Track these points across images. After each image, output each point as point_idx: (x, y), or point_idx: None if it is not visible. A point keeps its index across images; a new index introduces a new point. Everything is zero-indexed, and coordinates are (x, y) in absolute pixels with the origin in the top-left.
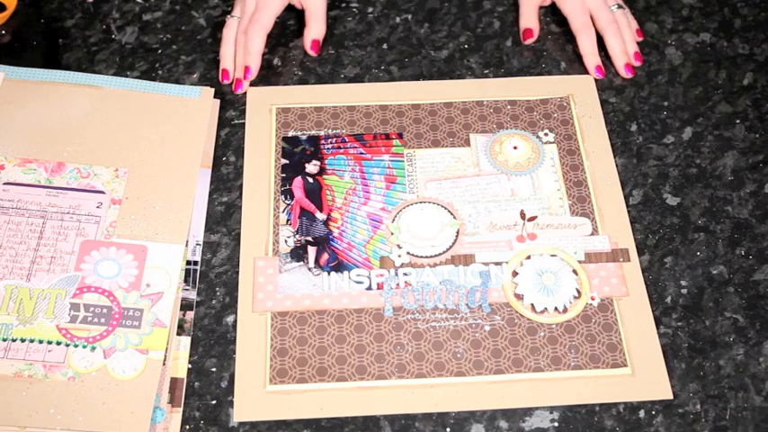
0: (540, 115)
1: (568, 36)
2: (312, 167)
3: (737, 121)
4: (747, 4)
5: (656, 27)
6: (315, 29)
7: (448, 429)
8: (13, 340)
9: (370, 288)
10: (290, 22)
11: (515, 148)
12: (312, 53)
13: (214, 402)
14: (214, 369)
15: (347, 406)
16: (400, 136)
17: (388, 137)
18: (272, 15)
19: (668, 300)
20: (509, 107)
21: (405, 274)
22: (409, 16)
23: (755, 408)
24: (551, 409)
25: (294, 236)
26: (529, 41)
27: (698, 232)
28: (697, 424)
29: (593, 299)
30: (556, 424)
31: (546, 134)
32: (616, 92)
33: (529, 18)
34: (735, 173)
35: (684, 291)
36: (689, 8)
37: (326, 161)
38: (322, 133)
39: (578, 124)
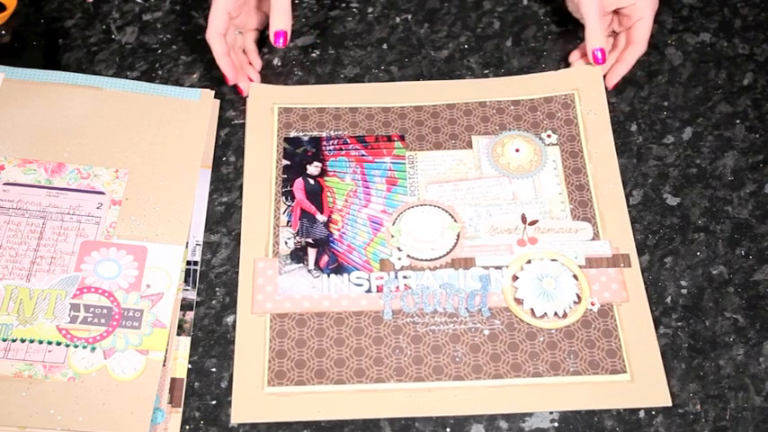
0: (543, 115)
1: (569, 36)
2: (313, 169)
3: (737, 121)
4: (747, 4)
5: (656, 27)
6: (277, 20)
7: (448, 429)
8: (13, 340)
9: (369, 291)
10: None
11: (517, 150)
12: (278, 46)
13: (214, 403)
14: (214, 369)
15: (345, 409)
16: (402, 138)
17: (389, 139)
18: (218, 14)
19: (668, 300)
20: (512, 107)
21: (404, 277)
22: (409, 16)
23: (755, 408)
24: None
25: (294, 237)
26: (599, 65)
27: (698, 232)
28: (697, 424)
29: (593, 304)
30: (556, 424)
31: (549, 135)
32: (616, 92)
33: (598, 37)
34: (735, 173)
35: (684, 291)
36: (689, 8)
37: (328, 163)
38: (324, 134)
39: (582, 122)
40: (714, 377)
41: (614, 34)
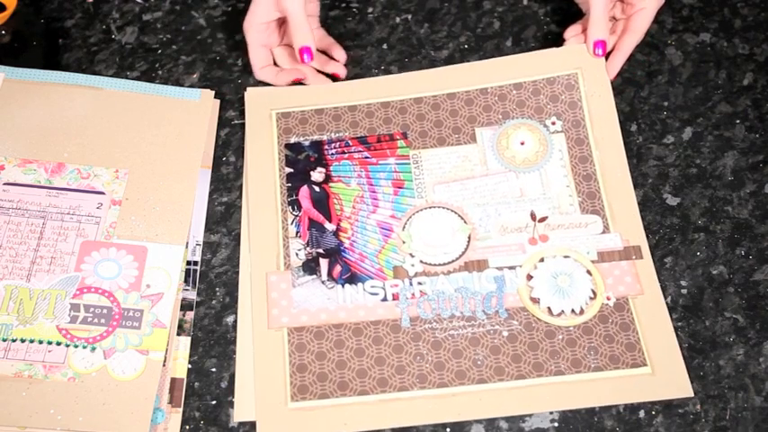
0: (546, 98)
1: None
2: (317, 175)
3: (737, 121)
4: (747, 4)
5: (655, 27)
6: (299, 37)
7: (448, 430)
8: (13, 340)
9: (385, 299)
10: None
11: (522, 143)
12: (306, 62)
13: (214, 403)
14: (214, 369)
15: (371, 420)
16: (404, 135)
17: (392, 138)
18: (255, 52)
19: (668, 300)
20: (514, 92)
21: (419, 284)
22: (409, 16)
23: (755, 408)
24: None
25: (305, 248)
26: (600, 55)
27: (698, 232)
28: (697, 424)
29: (608, 299)
30: (556, 424)
31: (553, 123)
32: (616, 92)
33: (601, 27)
34: (735, 173)
35: (684, 291)
36: (689, 8)
37: (331, 168)
38: (325, 137)
39: (587, 105)
40: (714, 377)
41: (613, 20)
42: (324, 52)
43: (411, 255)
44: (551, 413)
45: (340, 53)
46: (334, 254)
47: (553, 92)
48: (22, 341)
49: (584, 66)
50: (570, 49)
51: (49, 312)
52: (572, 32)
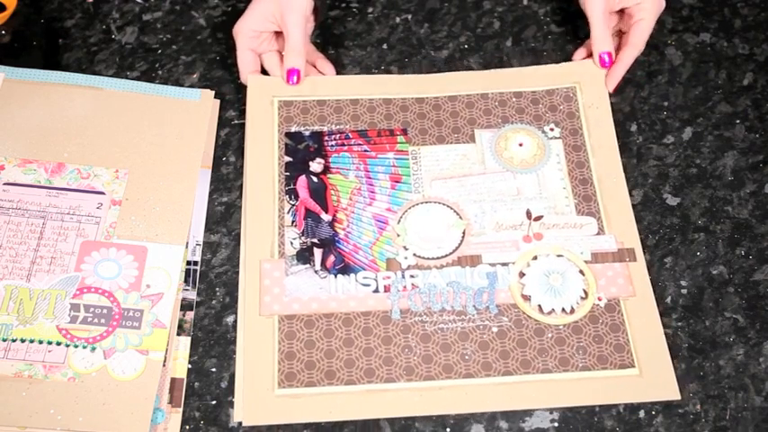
0: (545, 108)
1: (569, 36)
2: (316, 166)
3: (737, 121)
4: (747, 4)
5: (656, 27)
6: (290, 58)
7: (448, 429)
8: (13, 340)
9: (377, 291)
10: None
11: (521, 145)
12: (291, 84)
13: (214, 402)
14: (214, 369)
15: (356, 409)
16: (405, 132)
17: (392, 133)
18: (242, 53)
19: (668, 300)
20: (514, 99)
21: (411, 276)
22: (409, 16)
23: (755, 408)
24: (551, 408)
25: (300, 237)
26: (607, 65)
27: (698, 232)
28: (697, 424)
29: (599, 299)
30: (556, 424)
31: (551, 129)
32: (616, 92)
33: (604, 40)
34: (735, 173)
35: (684, 291)
36: (689, 8)
37: (330, 159)
38: (325, 129)
39: (584, 116)
40: (714, 377)
41: (620, 33)
42: (311, 64)
43: (405, 248)
44: (551, 413)
45: (327, 67)
46: (329, 244)
47: (552, 102)
48: (22, 341)
49: (583, 80)
50: (570, 65)
51: (49, 312)
52: (579, 56)
